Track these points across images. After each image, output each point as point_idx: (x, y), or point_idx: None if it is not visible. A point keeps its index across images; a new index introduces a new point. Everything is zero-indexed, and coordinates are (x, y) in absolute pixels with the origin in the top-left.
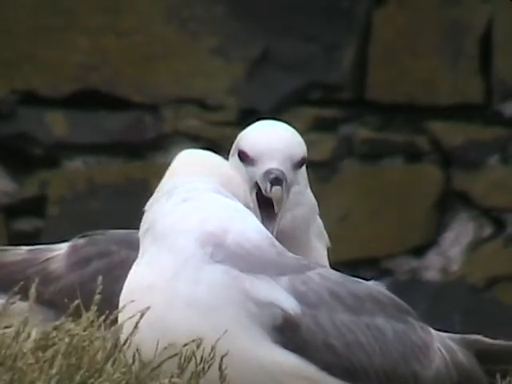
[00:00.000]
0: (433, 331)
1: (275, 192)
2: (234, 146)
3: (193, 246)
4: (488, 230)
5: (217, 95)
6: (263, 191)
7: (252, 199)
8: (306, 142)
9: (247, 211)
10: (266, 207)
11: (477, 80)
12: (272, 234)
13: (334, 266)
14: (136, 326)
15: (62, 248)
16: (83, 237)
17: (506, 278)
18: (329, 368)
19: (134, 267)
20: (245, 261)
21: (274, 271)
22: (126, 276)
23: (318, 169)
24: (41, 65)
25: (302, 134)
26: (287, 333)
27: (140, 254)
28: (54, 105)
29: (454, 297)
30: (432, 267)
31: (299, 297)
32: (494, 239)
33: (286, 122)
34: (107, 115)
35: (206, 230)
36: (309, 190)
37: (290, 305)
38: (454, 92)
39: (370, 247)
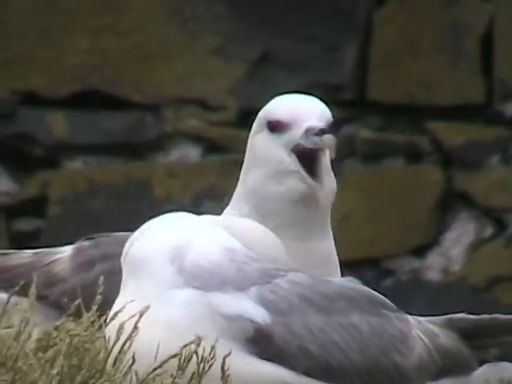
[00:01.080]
0: (411, 319)
1: (326, 139)
2: (256, 123)
3: (159, 270)
4: (489, 230)
5: (218, 95)
6: (310, 146)
7: (293, 161)
8: None
9: (210, 225)
10: (308, 168)
11: (478, 80)
12: (321, 187)
13: None
14: (135, 327)
15: (67, 250)
16: (88, 239)
17: (507, 279)
18: (308, 372)
19: (119, 298)
20: (205, 280)
21: (240, 285)
22: None
23: None
24: (41, 65)
25: None
26: (260, 343)
27: (122, 285)
28: (54, 105)
29: (455, 297)
30: (433, 267)
31: (269, 306)
32: (495, 239)
33: None
34: (108, 115)
35: (168, 253)
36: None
37: (260, 315)
38: (454, 92)
39: (371, 247)
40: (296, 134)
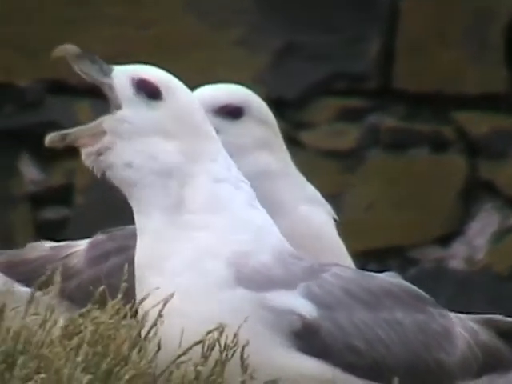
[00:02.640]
0: (453, 316)
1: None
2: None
3: (217, 270)
4: None
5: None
6: None
7: None
8: (331, 131)
9: (266, 225)
10: None
11: (503, 69)
12: None
13: (360, 255)
14: (160, 315)
15: (83, 244)
16: (103, 233)
17: None
18: (352, 368)
19: (145, 238)
20: (257, 281)
21: (288, 283)
22: None
23: (343, 158)
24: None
25: (327, 124)
26: (307, 338)
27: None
28: (81, 93)
29: (479, 286)
30: (457, 256)
31: (316, 300)
32: None
33: (312, 113)
34: None
35: (229, 256)
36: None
37: (307, 309)
38: (480, 81)
39: (396, 236)
40: None
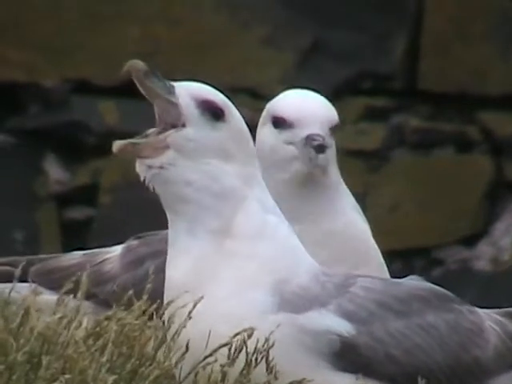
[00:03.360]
0: (480, 311)
1: (321, 160)
2: (264, 115)
3: (261, 297)
4: None
5: (268, 84)
6: (306, 158)
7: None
8: (357, 131)
9: (298, 249)
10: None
11: None
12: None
13: (385, 255)
14: (189, 316)
15: (116, 250)
16: (136, 238)
17: None
18: (394, 379)
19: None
20: (297, 304)
21: (323, 301)
22: None
23: (368, 158)
24: (93, 53)
25: (353, 124)
26: (348, 356)
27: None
28: (106, 93)
29: (504, 286)
30: (483, 257)
31: (350, 317)
32: None
33: (338, 112)
34: None
35: (271, 284)
36: (336, 166)
37: (344, 327)
38: (505, 81)
39: (421, 237)
40: (296, 137)
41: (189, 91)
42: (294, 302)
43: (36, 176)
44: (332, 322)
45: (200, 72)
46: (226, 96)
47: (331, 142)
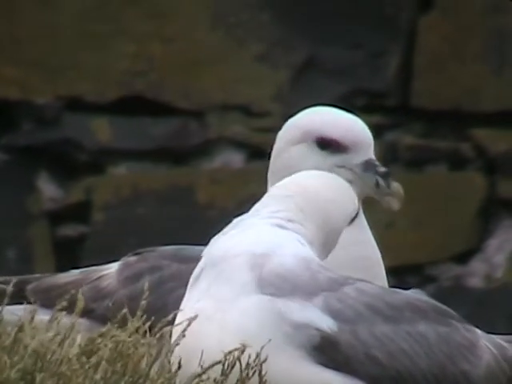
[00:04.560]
0: (478, 331)
1: (398, 188)
2: (292, 133)
3: (238, 275)
4: None
5: (262, 102)
6: (369, 184)
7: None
8: None
9: (287, 235)
10: None
11: None
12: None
13: None
14: (183, 334)
15: (113, 267)
16: (134, 254)
17: None
18: (376, 381)
19: (187, 294)
20: (278, 286)
21: (308, 292)
22: (178, 287)
23: None
24: (86, 71)
25: None
26: (327, 351)
27: (192, 278)
28: (99, 111)
29: (497, 303)
30: (476, 274)
31: (335, 314)
32: None
33: None
34: (152, 121)
35: (249, 259)
36: None
37: (326, 323)
38: (498, 99)
39: (414, 254)
40: (352, 160)
41: None
42: (275, 283)
43: (29, 193)
44: (314, 316)
45: (193, 89)
46: (219, 113)
47: None
